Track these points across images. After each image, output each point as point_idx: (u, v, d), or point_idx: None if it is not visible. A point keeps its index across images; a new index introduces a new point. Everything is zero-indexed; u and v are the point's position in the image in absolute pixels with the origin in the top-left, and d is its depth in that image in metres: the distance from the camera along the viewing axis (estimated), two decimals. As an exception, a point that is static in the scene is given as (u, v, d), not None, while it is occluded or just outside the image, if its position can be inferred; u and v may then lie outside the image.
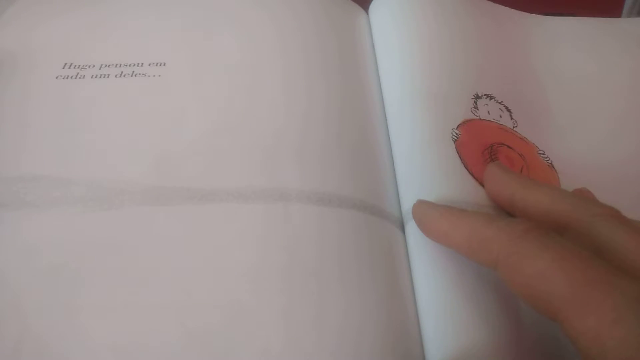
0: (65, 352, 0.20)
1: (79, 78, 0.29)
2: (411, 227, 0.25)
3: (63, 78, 0.29)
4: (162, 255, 0.23)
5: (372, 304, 0.23)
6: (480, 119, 0.29)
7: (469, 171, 0.26)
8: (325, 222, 0.24)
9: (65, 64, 0.30)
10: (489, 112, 0.29)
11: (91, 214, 0.24)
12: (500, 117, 0.30)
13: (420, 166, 0.27)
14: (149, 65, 0.30)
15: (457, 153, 0.27)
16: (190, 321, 0.21)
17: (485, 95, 0.30)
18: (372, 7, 0.36)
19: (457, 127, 0.28)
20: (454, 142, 0.27)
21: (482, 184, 0.26)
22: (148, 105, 0.28)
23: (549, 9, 0.38)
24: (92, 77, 0.29)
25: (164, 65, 0.30)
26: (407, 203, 0.26)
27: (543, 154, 0.29)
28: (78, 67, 0.30)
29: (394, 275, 0.24)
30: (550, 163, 0.29)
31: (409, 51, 0.32)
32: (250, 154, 0.26)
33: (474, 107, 0.29)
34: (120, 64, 0.30)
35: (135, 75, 0.29)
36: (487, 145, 0.28)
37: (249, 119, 0.28)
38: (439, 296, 0.23)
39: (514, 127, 0.29)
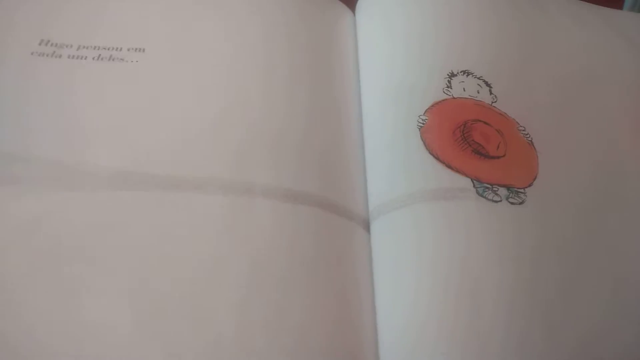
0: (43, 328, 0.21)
1: (55, 57, 0.29)
2: (375, 227, 0.26)
3: (38, 55, 0.29)
4: (121, 239, 0.23)
5: (328, 304, 0.23)
6: (453, 97, 0.28)
7: (434, 156, 0.26)
8: (287, 219, 0.25)
9: (42, 40, 0.29)
10: (464, 89, 0.28)
11: (51, 194, 0.24)
12: (478, 92, 0.28)
13: (385, 162, 0.27)
14: (128, 50, 0.29)
15: (422, 140, 0.26)
16: (142, 306, 0.22)
17: (461, 72, 0.29)
18: (358, 6, 0.34)
19: (424, 113, 0.27)
20: (419, 129, 0.27)
21: (448, 166, 0.26)
22: (123, 90, 0.28)
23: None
24: (68, 57, 0.29)
25: (143, 51, 0.29)
26: (374, 201, 0.26)
27: (523, 130, 0.28)
28: (55, 46, 0.29)
29: (354, 276, 0.25)
30: (531, 140, 0.28)
31: (387, 47, 0.30)
32: (221, 146, 0.26)
33: (447, 87, 0.28)
34: (99, 47, 0.29)
35: (113, 60, 0.29)
36: (460, 123, 0.27)
37: (222, 112, 0.27)
38: (399, 297, 0.23)
39: (492, 102, 0.28)
